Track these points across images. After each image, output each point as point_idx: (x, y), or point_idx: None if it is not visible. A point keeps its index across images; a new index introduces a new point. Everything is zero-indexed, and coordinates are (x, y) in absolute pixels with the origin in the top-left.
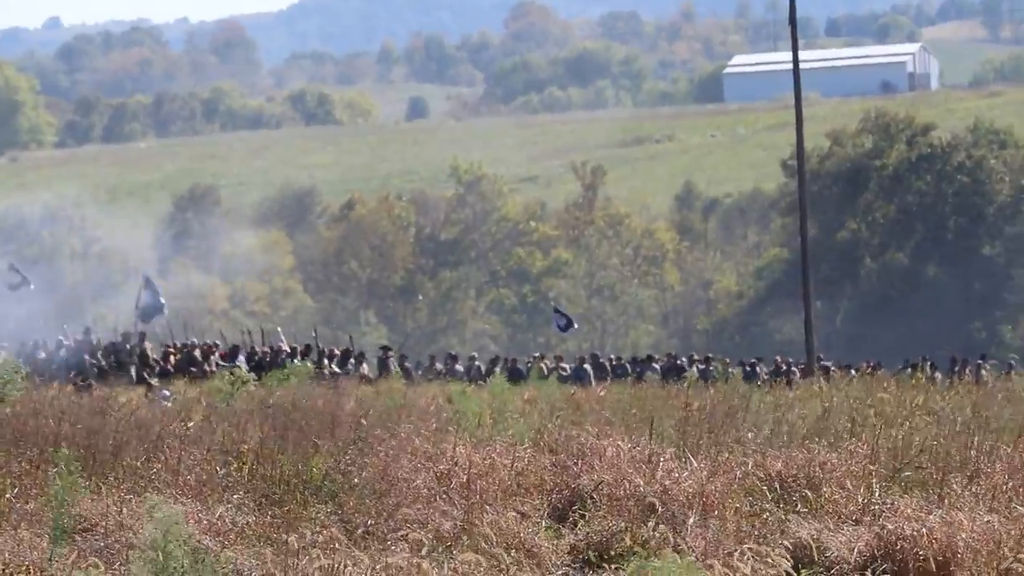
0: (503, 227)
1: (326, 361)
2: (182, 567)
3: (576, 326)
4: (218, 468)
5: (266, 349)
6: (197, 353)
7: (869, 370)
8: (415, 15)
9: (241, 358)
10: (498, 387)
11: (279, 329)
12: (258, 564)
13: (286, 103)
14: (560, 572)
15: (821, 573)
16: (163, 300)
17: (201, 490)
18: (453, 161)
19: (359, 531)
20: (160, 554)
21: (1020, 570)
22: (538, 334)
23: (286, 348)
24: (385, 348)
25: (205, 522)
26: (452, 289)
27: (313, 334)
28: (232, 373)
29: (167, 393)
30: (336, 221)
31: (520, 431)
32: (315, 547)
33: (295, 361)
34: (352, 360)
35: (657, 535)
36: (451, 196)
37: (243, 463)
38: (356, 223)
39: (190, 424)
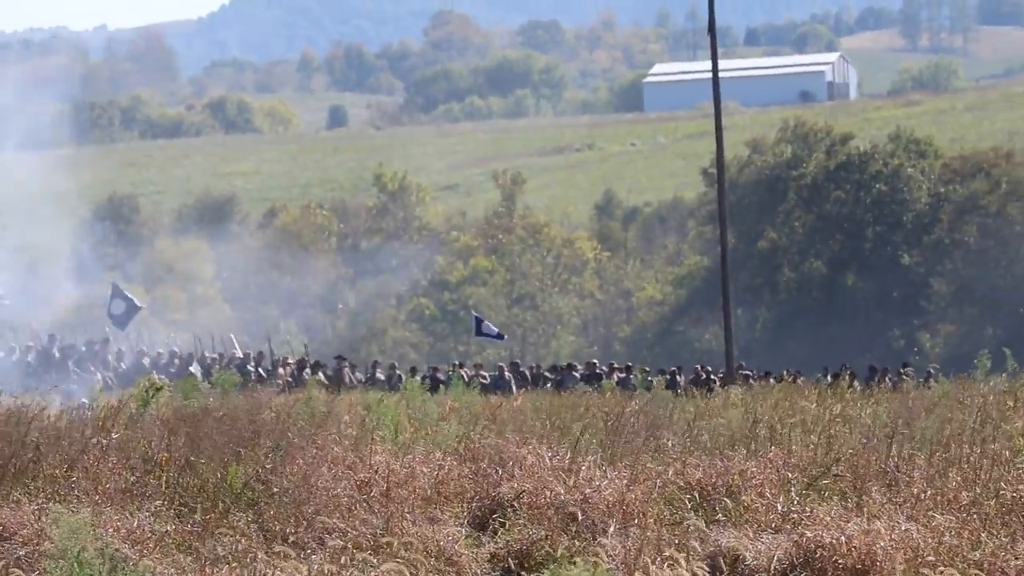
0: (424, 236)
1: (281, 370)
2: (99, 574)
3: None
4: (138, 476)
5: (215, 356)
6: (146, 362)
7: (789, 378)
8: (335, 24)
9: (196, 365)
10: (418, 395)
11: (232, 336)
12: (176, 572)
13: (206, 111)
14: None
15: None
16: (139, 303)
17: (121, 498)
18: (377, 169)
19: (279, 539)
20: (75, 563)
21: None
22: (459, 343)
23: (239, 354)
24: (339, 358)
25: (124, 530)
26: (373, 298)
27: (267, 342)
28: (149, 380)
29: (87, 401)
30: (259, 229)
31: (441, 439)
32: (234, 555)
33: (247, 367)
34: (308, 369)
35: (577, 543)
36: (372, 205)
37: (163, 471)
38: (278, 231)
39: (113, 435)
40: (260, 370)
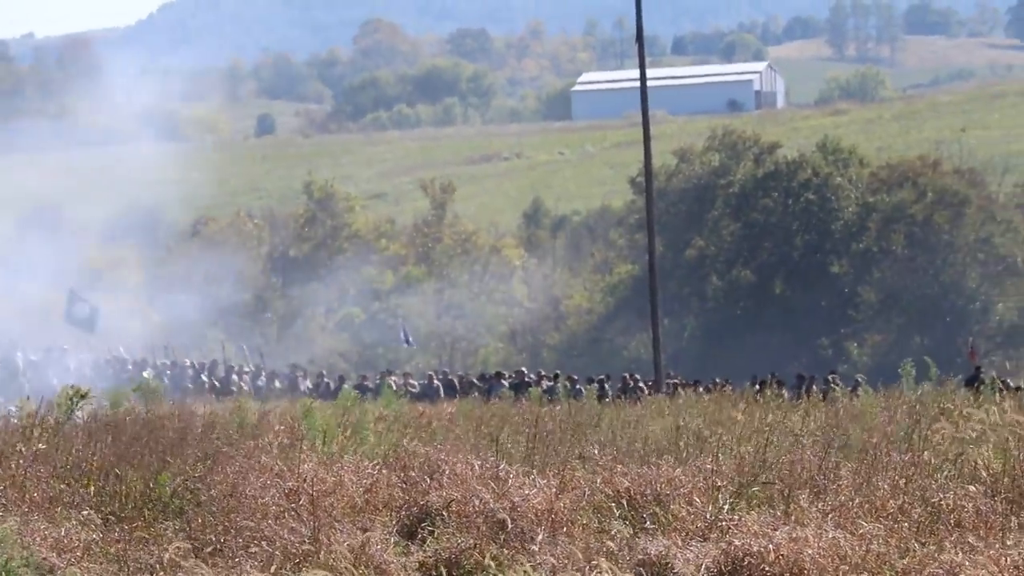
0: (353, 244)
1: (235, 377)
2: None
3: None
4: (65, 485)
5: (166, 362)
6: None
7: (718, 387)
8: (264, 32)
9: (149, 371)
10: (347, 403)
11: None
12: None
13: (134, 119)
14: None
15: None
16: (96, 306)
17: (48, 507)
18: (306, 178)
19: (207, 548)
20: (2, 572)
21: None
22: (388, 351)
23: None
24: (294, 366)
25: (52, 539)
26: (301, 306)
27: (222, 350)
28: (73, 387)
29: (13, 409)
30: (191, 237)
31: (369, 448)
32: (161, 564)
33: (201, 377)
34: (263, 377)
35: (506, 552)
36: (301, 213)
37: (90, 480)
38: (205, 240)
39: (40, 444)
40: (214, 379)
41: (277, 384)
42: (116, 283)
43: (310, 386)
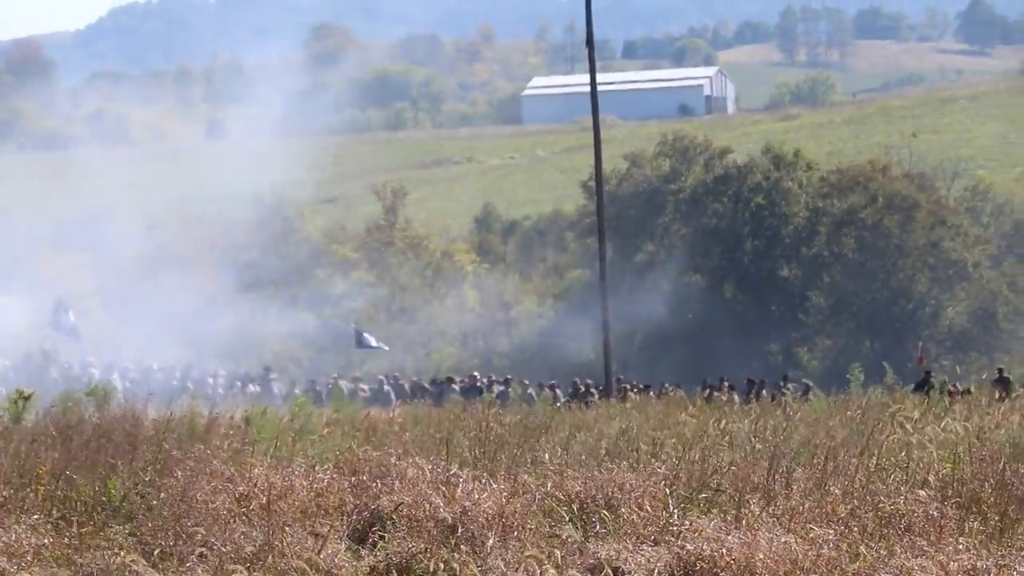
0: (303, 249)
1: (210, 380)
2: None
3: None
4: (14, 490)
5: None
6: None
7: (669, 391)
8: (214, 36)
9: (116, 375)
10: (298, 408)
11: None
12: None
13: (84, 123)
14: None
15: None
16: (72, 318)
17: None
18: (256, 182)
19: (157, 552)
20: None
21: None
22: (339, 356)
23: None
24: (267, 369)
25: (1, 543)
26: (252, 311)
27: (193, 354)
28: (19, 391)
29: None
30: (137, 242)
31: (320, 452)
32: (112, 568)
33: (173, 381)
34: (239, 382)
35: (457, 556)
36: (251, 218)
37: (39, 484)
38: (156, 245)
39: None
40: (188, 383)
41: (251, 388)
42: (68, 289)
43: (283, 389)
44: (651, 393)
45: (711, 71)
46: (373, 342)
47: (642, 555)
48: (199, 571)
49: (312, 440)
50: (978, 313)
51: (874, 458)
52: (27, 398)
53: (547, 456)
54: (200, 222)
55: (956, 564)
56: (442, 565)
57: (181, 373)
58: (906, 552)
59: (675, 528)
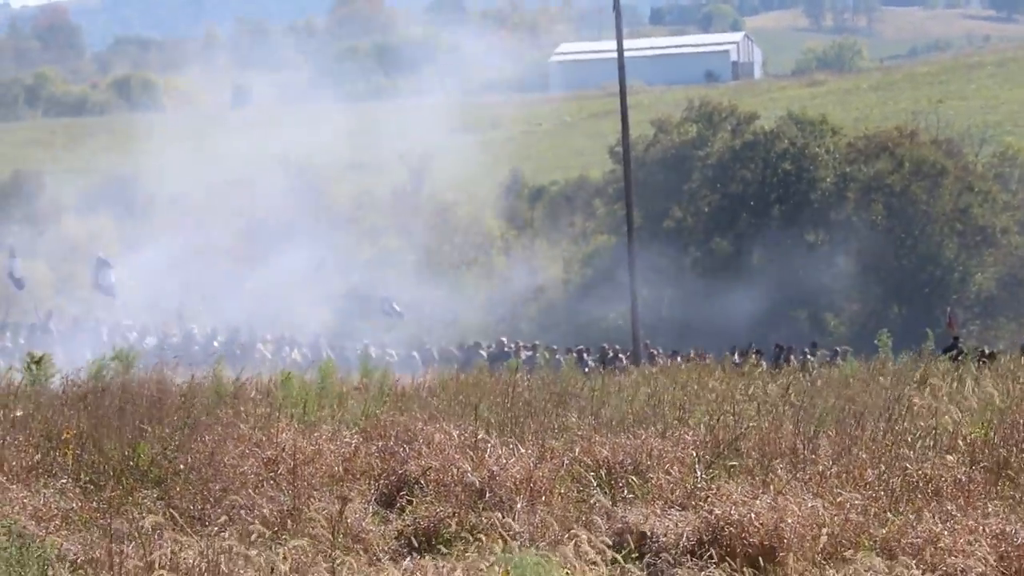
0: (331, 215)
1: (259, 346)
2: (6, 551)
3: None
4: (43, 454)
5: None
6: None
7: (696, 357)
8: (240, 1)
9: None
10: (326, 373)
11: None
12: (83, 549)
13: (110, 89)
14: (387, 557)
15: (650, 558)
16: (113, 278)
17: (26, 476)
18: (284, 148)
19: (186, 516)
20: None
21: (845, 554)
22: (367, 322)
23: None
24: (316, 336)
25: (30, 507)
26: (279, 278)
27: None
28: (31, 355)
29: None
30: (165, 207)
31: (348, 417)
32: (141, 532)
33: (214, 344)
34: (287, 347)
35: (484, 520)
36: (279, 184)
37: (68, 448)
38: (185, 210)
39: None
40: (235, 347)
41: (297, 356)
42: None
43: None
44: (679, 359)
45: (738, 37)
46: (396, 309)
47: (670, 520)
48: (227, 535)
49: (339, 405)
50: (1006, 279)
51: (902, 423)
52: (38, 362)
53: (575, 420)
54: (228, 187)
55: (985, 528)
56: (469, 529)
57: (227, 337)
58: (934, 517)
59: (703, 493)
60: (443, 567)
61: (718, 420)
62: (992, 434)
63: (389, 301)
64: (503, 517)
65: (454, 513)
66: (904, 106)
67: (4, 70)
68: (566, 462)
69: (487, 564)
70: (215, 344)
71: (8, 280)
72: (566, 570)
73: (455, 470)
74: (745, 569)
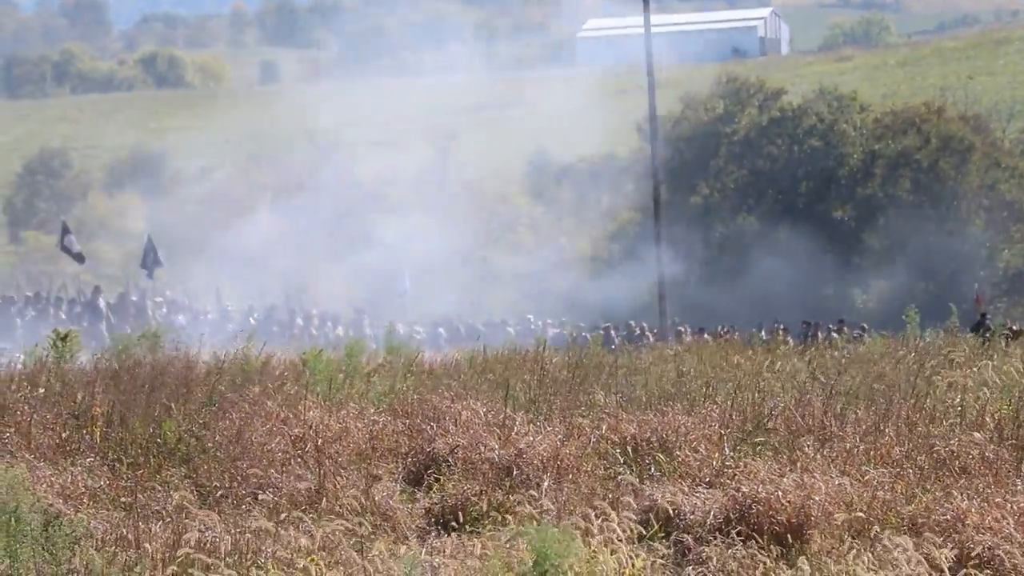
0: (358, 192)
1: (299, 321)
2: (34, 529)
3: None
4: (70, 432)
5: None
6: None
7: (723, 334)
8: None
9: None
10: (352, 351)
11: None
12: (110, 526)
13: (137, 66)
14: (415, 535)
15: (677, 535)
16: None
17: (53, 454)
18: (311, 124)
19: (214, 494)
20: (12, 518)
21: (872, 532)
22: (394, 298)
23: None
24: (358, 311)
25: (58, 485)
26: (307, 254)
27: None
28: (56, 332)
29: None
30: (192, 183)
31: (375, 395)
32: (167, 510)
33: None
34: (329, 322)
35: (512, 499)
36: (306, 160)
37: (95, 426)
38: (212, 186)
39: (41, 390)
40: (273, 325)
41: (340, 331)
42: (120, 230)
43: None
44: (706, 336)
45: (765, 12)
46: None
47: (697, 497)
48: (255, 513)
49: (367, 383)
50: None
51: (928, 399)
52: (63, 338)
53: (602, 398)
54: (255, 164)
55: (1013, 506)
56: (497, 507)
57: (264, 315)
58: (963, 494)
59: (730, 470)
60: (467, 544)
61: (745, 397)
62: (1019, 411)
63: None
64: (530, 494)
65: (481, 491)
66: (932, 82)
67: (32, 48)
68: (593, 440)
69: (507, 540)
70: (251, 321)
71: (65, 254)
72: (593, 547)
73: (483, 448)
74: (772, 547)
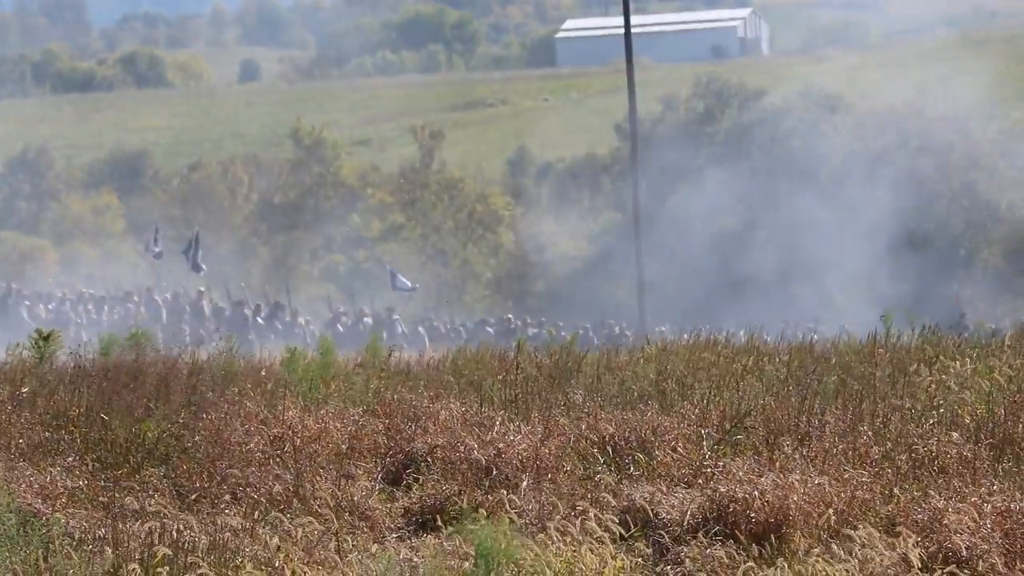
0: (338, 191)
1: (301, 321)
2: (11, 529)
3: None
4: (50, 432)
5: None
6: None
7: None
8: None
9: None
10: (329, 351)
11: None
12: (88, 526)
13: (117, 65)
14: (394, 535)
15: (655, 534)
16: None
17: (33, 454)
18: (293, 124)
19: (192, 495)
20: None
21: (850, 531)
22: (374, 298)
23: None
24: (361, 311)
25: (37, 485)
26: (285, 254)
27: (242, 285)
28: (39, 332)
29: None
30: (172, 183)
31: (353, 394)
32: (147, 510)
33: (258, 320)
34: (288, 316)
35: (491, 498)
36: (287, 160)
37: (74, 426)
38: (191, 186)
39: (24, 389)
40: (276, 323)
41: (340, 328)
42: (99, 230)
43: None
44: (685, 336)
45: (745, 12)
46: (408, 284)
47: (676, 497)
48: (232, 513)
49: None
50: (1013, 255)
51: (908, 399)
52: (46, 338)
53: (580, 398)
54: (235, 163)
55: (990, 506)
56: (476, 507)
57: (267, 312)
58: (940, 494)
59: (708, 470)
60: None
61: (723, 397)
62: (996, 410)
63: (396, 275)
64: (509, 495)
65: (460, 491)
66: (911, 82)
67: (11, 46)
68: (572, 439)
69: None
70: (259, 320)
71: (150, 256)
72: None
73: (461, 447)
74: (751, 547)
